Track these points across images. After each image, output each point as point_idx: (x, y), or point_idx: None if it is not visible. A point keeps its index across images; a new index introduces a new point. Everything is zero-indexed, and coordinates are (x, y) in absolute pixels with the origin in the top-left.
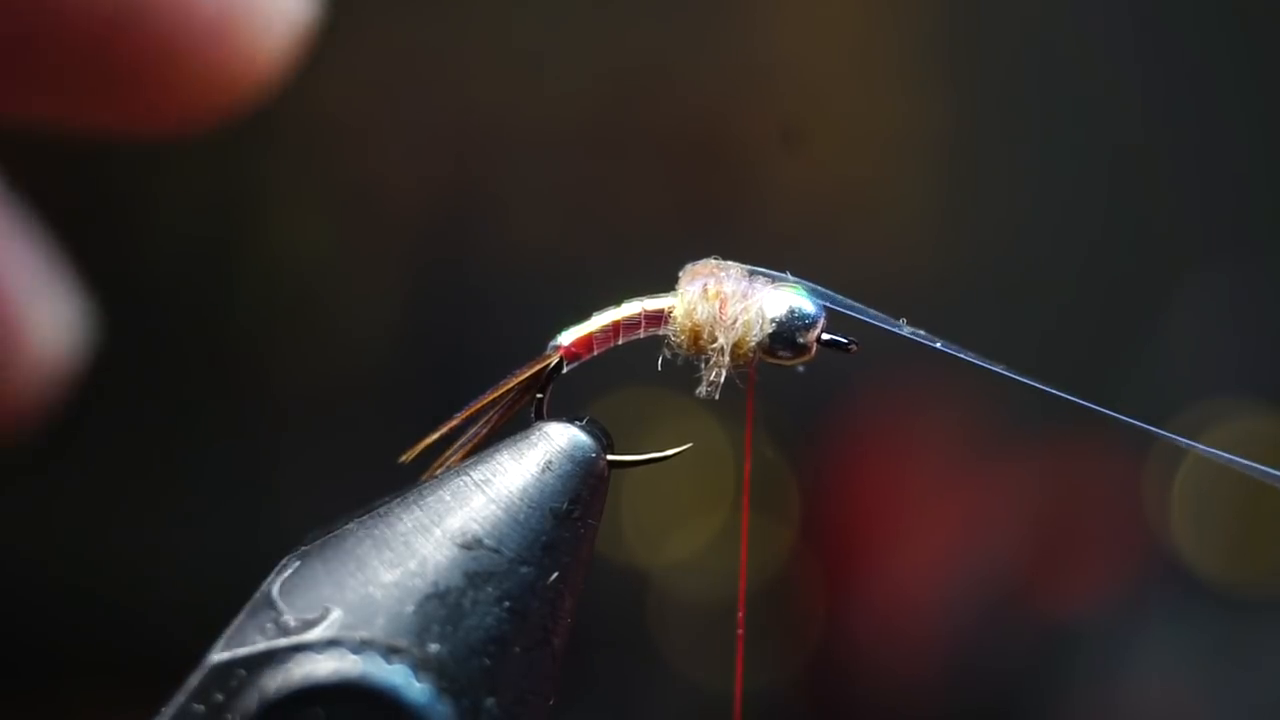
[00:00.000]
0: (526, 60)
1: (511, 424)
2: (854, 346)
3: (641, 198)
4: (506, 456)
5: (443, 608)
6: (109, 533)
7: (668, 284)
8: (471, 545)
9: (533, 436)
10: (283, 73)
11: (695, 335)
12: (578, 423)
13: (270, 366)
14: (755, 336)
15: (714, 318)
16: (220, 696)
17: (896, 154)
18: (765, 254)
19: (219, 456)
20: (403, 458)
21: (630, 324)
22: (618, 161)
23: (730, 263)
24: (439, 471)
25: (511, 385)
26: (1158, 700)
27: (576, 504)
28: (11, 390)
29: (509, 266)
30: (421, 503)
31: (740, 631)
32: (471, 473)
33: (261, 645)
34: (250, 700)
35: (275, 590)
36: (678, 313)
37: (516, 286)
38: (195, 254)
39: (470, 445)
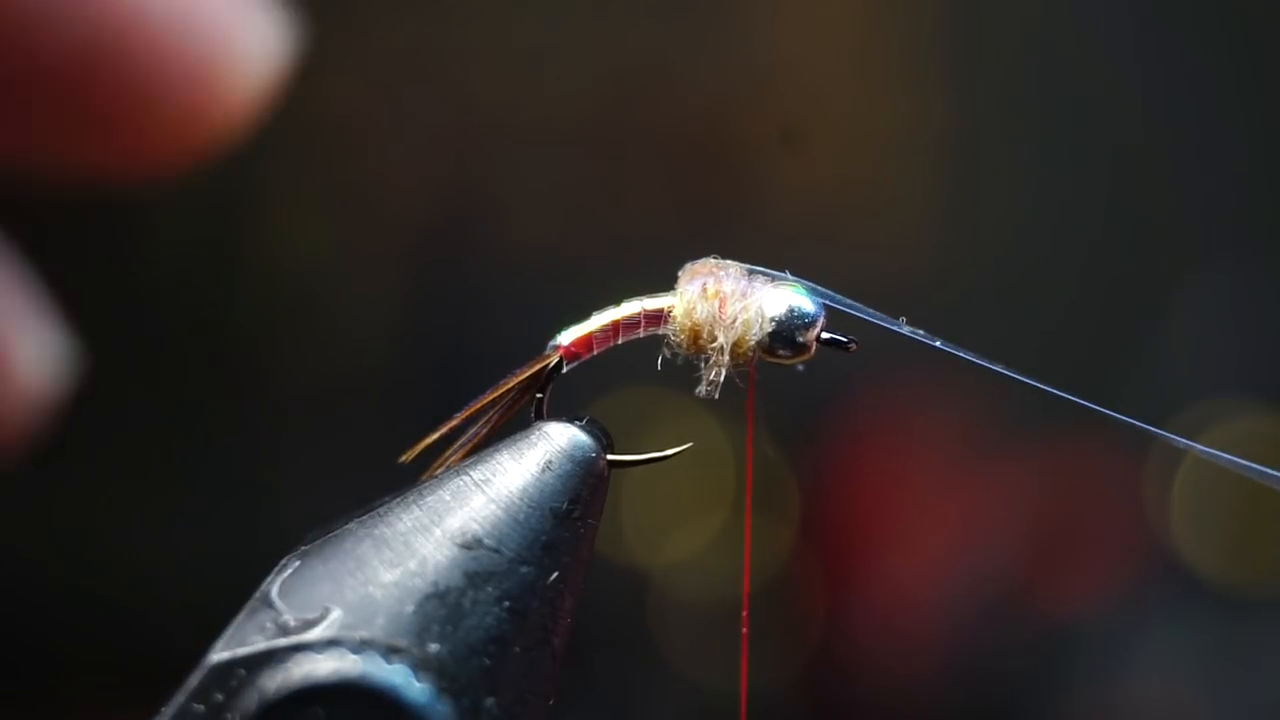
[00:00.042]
0: (526, 60)
1: (511, 424)
2: (854, 346)
3: (641, 198)
4: (506, 456)
5: (443, 607)
6: (109, 533)
7: (668, 284)
8: (471, 545)
9: (533, 436)
10: (259, 115)
11: (695, 334)
12: (578, 423)
13: (270, 366)
14: (755, 336)
15: (714, 317)
16: (220, 696)
17: (896, 154)
18: (765, 254)
19: (219, 456)
20: (403, 458)
21: (630, 323)
22: (618, 161)
23: (730, 262)
24: (439, 471)
25: (511, 385)
26: (1158, 700)
27: (576, 504)
28: None
29: (509, 266)
30: (421, 503)
31: (744, 630)
32: (471, 472)
33: (261, 645)
34: (250, 700)
35: (275, 590)
36: (677, 312)
37: (516, 286)
38: (195, 254)
39: (470, 445)
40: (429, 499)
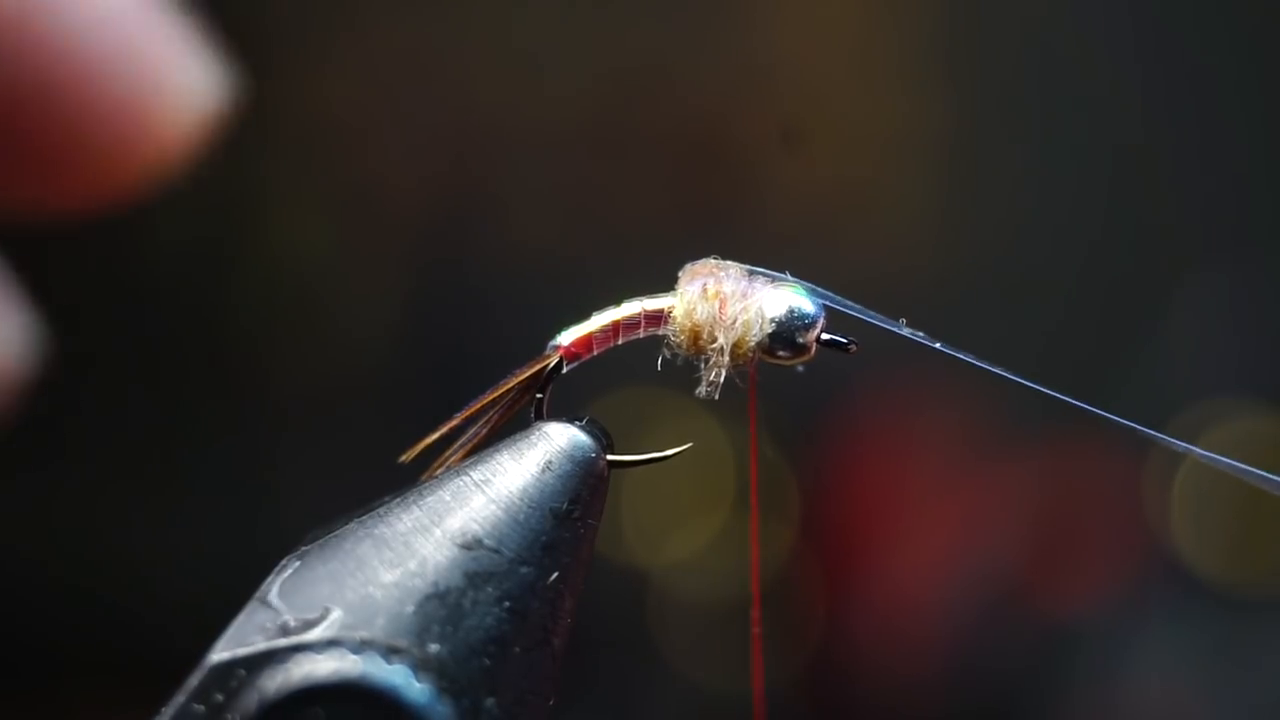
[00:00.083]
0: (526, 60)
1: (511, 424)
2: (854, 346)
3: (641, 198)
4: (506, 456)
5: (443, 608)
6: (109, 533)
7: (668, 284)
8: (471, 545)
9: (533, 436)
10: (195, 150)
11: (695, 335)
12: (578, 423)
13: (270, 366)
14: (755, 336)
15: (714, 317)
16: (220, 696)
17: (896, 154)
18: (765, 254)
19: (218, 456)
20: (403, 458)
21: (630, 324)
22: (618, 161)
23: (730, 262)
24: (439, 471)
25: (511, 385)
26: (1158, 700)
27: (576, 504)
28: None
29: (509, 266)
30: (421, 503)
31: (756, 630)
32: (471, 473)
33: (261, 645)
34: (250, 700)
35: (275, 590)
36: (677, 312)
37: (516, 286)
38: (195, 254)
39: (470, 445)
40: (429, 499)
